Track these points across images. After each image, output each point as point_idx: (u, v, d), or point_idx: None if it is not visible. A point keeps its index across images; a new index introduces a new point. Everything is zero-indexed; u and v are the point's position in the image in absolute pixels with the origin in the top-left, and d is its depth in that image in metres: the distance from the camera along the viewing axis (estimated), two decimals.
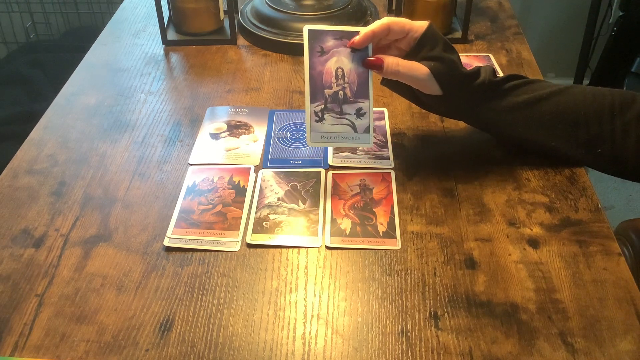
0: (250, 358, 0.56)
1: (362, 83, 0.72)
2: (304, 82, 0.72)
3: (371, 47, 0.72)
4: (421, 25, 0.71)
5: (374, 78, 0.73)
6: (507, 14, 1.16)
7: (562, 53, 2.20)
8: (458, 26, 1.07)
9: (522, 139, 0.74)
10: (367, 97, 0.72)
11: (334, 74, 0.71)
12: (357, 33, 0.71)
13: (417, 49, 0.71)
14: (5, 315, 0.59)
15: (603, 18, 1.96)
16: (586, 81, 2.06)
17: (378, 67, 0.70)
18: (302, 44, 0.71)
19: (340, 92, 0.71)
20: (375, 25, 0.70)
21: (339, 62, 0.72)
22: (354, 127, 0.72)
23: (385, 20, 0.71)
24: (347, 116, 0.72)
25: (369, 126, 0.72)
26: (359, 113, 0.72)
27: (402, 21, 0.71)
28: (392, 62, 0.70)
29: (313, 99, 0.71)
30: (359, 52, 0.72)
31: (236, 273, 0.64)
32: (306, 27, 0.72)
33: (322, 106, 0.71)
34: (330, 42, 0.72)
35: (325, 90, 0.71)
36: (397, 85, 0.75)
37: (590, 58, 2.02)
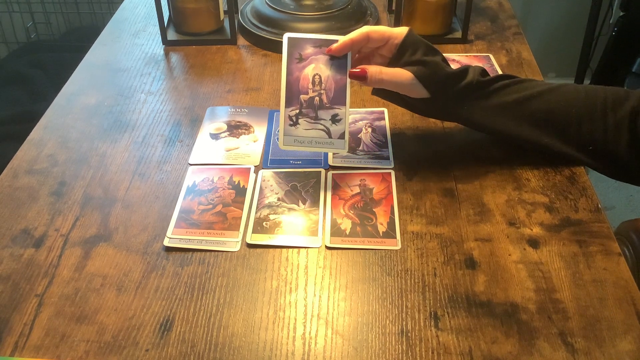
0: (250, 358, 0.56)
1: (339, 90, 0.73)
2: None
3: (350, 55, 0.73)
4: (401, 31, 0.73)
5: (366, 89, 0.73)
6: (507, 14, 1.16)
7: (563, 53, 2.20)
8: (458, 26, 1.07)
9: (515, 137, 0.74)
10: (344, 104, 0.72)
11: (310, 80, 0.72)
12: (336, 41, 0.72)
13: (399, 55, 0.73)
14: (5, 315, 0.59)
15: (604, 18, 1.96)
16: (587, 81, 2.06)
17: (362, 77, 0.72)
18: None
19: (317, 97, 0.72)
20: (354, 34, 0.72)
21: (317, 69, 0.72)
22: (328, 132, 0.72)
23: (365, 29, 0.72)
24: (322, 121, 0.72)
25: (344, 132, 0.72)
26: (335, 119, 0.72)
27: (381, 29, 0.73)
28: (375, 71, 0.71)
29: (288, 104, 0.72)
30: (337, 60, 0.73)
31: (236, 273, 0.64)
32: (286, 35, 0.73)
33: (297, 111, 0.72)
34: (309, 50, 0.73)
35: (301, 96, 0.72)
36: (388, 93, 0.76)
37: (590, 58, 2.02)
